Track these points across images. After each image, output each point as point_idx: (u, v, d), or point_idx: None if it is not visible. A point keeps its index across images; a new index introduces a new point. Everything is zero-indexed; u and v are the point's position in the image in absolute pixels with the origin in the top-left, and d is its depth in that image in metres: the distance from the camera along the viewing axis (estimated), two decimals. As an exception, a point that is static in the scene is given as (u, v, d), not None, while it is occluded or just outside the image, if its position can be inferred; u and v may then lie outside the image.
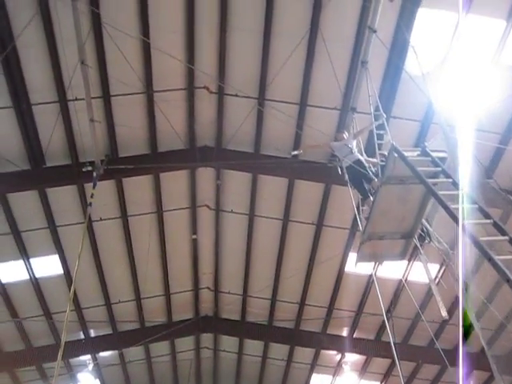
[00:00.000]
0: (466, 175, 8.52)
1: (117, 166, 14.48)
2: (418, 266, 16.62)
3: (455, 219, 7.10)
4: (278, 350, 22.73)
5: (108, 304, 19.53)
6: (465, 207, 7.01)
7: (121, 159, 15.08)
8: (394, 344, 12.27)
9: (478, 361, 19.87)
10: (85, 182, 15.01)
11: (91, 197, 13.24)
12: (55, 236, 16.50)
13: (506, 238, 6.70)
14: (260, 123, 14.83)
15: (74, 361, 21.46)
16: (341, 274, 18.63)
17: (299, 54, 13.20)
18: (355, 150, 11.21)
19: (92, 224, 16.59)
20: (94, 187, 13.17)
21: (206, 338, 23.11)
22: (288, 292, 19.89)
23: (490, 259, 6.17)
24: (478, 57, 13.10)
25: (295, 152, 12.97)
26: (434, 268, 16.80)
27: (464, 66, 13.17)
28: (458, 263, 6.83)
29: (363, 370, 22.77)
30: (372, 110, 11.53)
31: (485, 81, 13.43)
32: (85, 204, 15.20)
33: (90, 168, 13.86)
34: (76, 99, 13.35)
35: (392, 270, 17.65)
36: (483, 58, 13.13)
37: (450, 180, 7.66)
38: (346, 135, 12.10)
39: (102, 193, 15.75)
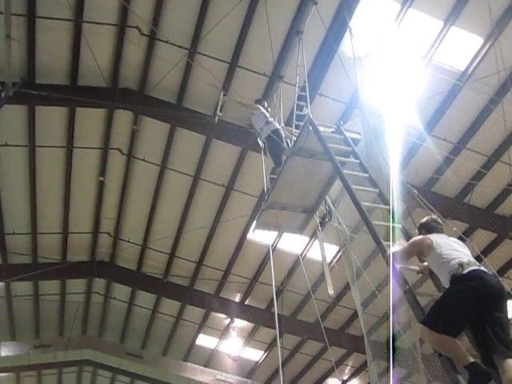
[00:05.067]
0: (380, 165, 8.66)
1: (30, 91, 13.75)
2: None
3: (355, 202, 7.18)
4: (169, 306, 22.75)
5: (1, 233, 18.82)
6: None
7: (37, 85, 14.29)
8: (280, 315, 12.46)
9: (338, 338, 20.93)
10: (-6, 103, 14.22)
11: (-4, 118, 12.59)
12: (-46, 153, 15.65)
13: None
14: (187, 75, 14.45)
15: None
16: (242, 240, 18.70)
17: (239, 11, 12.84)
18: (271, 119, 11.24)
19: (-4, 148, 15.88)
20: (-1, 108, 12.52)
21: (99, 284, 22.72)
22: (187, 250, 19.83)
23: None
24: (412, 52, 13.32)
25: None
26: (333, 249, 17.17)
27: (395, 58, 13.41)
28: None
29: (249, 338, 23.19)
30: (297, 80, 11.49)
31: (414, 76, 13.68)
32: (-9, 125, 14.50)
33: (-1, 88, 13.13)
34: (-4, 12, 12.55)
35: (293, 244, 17.89)
36: (416, 54, 13.35)
37: (358, 161, 7.73)
38: (264, 104, 12.21)
39: (12, 117, 15.11)
